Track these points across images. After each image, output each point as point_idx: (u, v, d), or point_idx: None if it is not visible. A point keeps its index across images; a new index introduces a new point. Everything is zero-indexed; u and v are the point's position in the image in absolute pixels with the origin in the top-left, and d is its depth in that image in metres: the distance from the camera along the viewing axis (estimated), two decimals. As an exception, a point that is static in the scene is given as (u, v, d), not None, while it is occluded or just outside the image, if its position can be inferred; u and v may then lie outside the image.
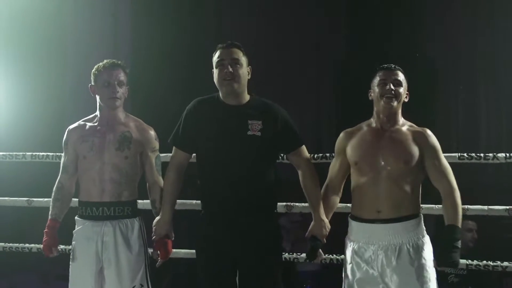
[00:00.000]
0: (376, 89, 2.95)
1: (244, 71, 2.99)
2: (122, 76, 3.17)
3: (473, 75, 6.09)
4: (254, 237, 2.95)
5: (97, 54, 5.49)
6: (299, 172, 3.09)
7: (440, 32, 6.09)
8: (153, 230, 3.14)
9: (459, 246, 2.81)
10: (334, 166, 3.08)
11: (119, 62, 3.21)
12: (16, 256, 4.04)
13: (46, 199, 3.85)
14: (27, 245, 3.91)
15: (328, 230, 3.03)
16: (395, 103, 2.91)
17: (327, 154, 3.48)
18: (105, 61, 3.20)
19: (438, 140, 2.96)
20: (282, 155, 3.29)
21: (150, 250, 3.22)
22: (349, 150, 3.00)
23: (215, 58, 3.01)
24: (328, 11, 6.21)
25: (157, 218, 3.15)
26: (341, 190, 3.11)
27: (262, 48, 6.09)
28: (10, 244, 3.93)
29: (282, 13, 6.27)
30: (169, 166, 3.13)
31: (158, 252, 3.15)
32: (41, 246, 3.68)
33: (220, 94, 3.04)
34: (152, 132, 3.25)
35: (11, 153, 3.95)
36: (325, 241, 3.04)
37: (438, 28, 6.10)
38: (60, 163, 3.67)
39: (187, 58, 6.16)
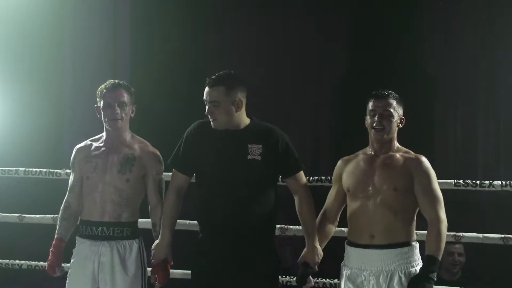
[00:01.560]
0: (368, 119, 2.99)
1: (225, 107, 2.97)
2: (124, 97, 3.20)
3: (474, 93, 6.09)
4: (252, 262, 2.98)
5: (95, 67, 5.50)
6: (295, 198, 3.10)
7: (440, 51, 6.11)
8: (152, 253, 3.15)
9: (434, 279, 2.81)
10: (331, 194, 3.11)
11: (121, 82, 3.24)
12: (5, 270, 4.05)
13: (38, 216, 3.87)
14: (17, 261, 3.91)
15: (320, 257, 3.05)
16: (384, 136, 2.95)
17: (323, 177, 3.51)
18: (107, 82, 3.23)
19: (435, 167, 2.98)
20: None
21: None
22: (344, 177, 3.03)
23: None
24: (328, 31, 6.23)
25: (156, 241, 3.15)
26: (337, 219, 3.12)
27: (260, 66, 6.12)
28: (0, 260, 3.93)
29: (282, 30, 6.29)
30: (168, 188, 3.15)
31: (156, 276, 3.15)
32: (31, 262, 3.70)
33: None
34: (157, 155, 3.27)
35: (3, 168, 3.96)
36: (316, 269, 3.06)
37: (439, 45, 6.12)
38: (52, 179, 3.69)
39: (188, 71, 6.16)
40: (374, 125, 2.93)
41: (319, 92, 6.18)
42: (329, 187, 3.28)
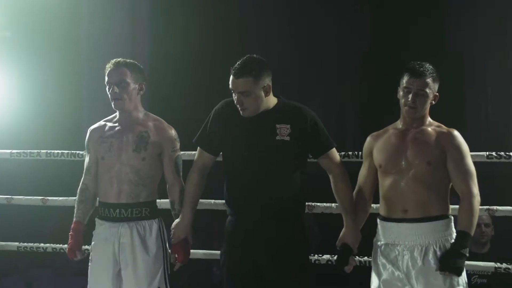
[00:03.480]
0: (401, 93, 2.94)
1: (255, 95, 2.93)
2: (125, 75, 3.16)
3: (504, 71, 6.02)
4: (280, 244, 2.97)
5: (114, 52, 5.52)
6: (330, 176, 3.07)
7: (469, 26, 6.03)
8: (172, 233, 3.14)
9: (467, 254, 2.81)
10: (363, 171, 3.08)
11: (123, 60, 3.19)
12: (31, 254, 4.09)
13: (61, 198, 3.89)
14: (42, 244, 3.94)
15: (360, 238, 3.02)
16: (416, 114, 2.92)
17: (350, 153, 3.49)
18: (111, 61, 3.19)
19: (467, 140, 2.95)
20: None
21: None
22: (375, 153, 3.00)
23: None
24: (350, 10, 6.20)
25: (177, 220, 3.15)
26: (372, 197, 3.09)
27: (283, 48, 6.10)
28: (25, 244, 3.96)
29: (302, 13, 6.27)
30: (192, 167, 3.13)
31: (176, 255, 3.16)
32: (56, 245, 3.72)
33: None
34: (172, 132, 3.24)
35: (25, 150, 3.97)
36: (356, 250, 3.03)
37: (466, 22, 6.05)
38: (74, 161, 3.70)
39: (210, 59, 6.17)
40: (407, 102, 2.89)
41: (344, 67, 6.16)
42: (356, 163, 3.28)
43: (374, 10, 6.35)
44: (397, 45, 6.00)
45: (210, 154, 3.09)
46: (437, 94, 2.94)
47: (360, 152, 3.24)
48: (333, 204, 3.56)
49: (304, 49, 6.28)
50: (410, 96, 2.88)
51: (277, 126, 2.95)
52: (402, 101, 2.92)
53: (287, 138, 2.95)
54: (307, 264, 3.13)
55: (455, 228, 2.89)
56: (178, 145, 3.26)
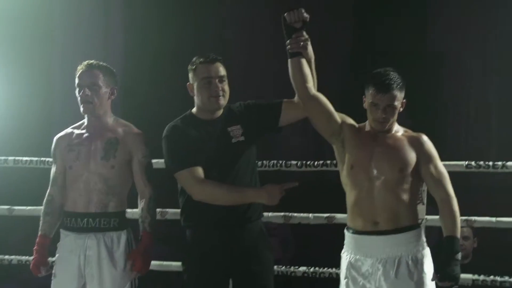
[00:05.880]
0: (368, 107, 2.88)
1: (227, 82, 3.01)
2: (97, 78, 3.11)
3: (485, 73, 6.03)
4: (249, 244, 2.99)
5: (86, 55, 5.46)
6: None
7: (449, 27, 6.04)
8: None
9: (459, 259, 2.78)
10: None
11: (93, 62, 3.15)
12: (-6, 265, 4.04)
13: (28, 208, 3.85)
14: (6, 256, 3.89)
15: None
16: (386, 127, 2.88)
17: (328, 162, 3.50)
18: (83, 62, 3.15)
19: (439, 146, 2.93)
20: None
21: None
22: (348, 145, 2.91)
23: (199, 74, 2.99)
24: (332, 12, 6.18)
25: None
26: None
27: (260, 51, 6.07)
28: (-11, 255, 3.91)
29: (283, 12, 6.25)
30: (196, 187, 2.96)
31: (133, 262, 3.07)
32: (22, 257, 3.67)
33: (195, 110, 3.06)
34: (142, 137, 3.19)
35: (-8, 157, 3.94)
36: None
37: (445, 21, 6.06)
38: (44, 169, 3.65)
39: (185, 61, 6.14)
40: (376, 118, 2.85)
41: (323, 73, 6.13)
42: (333, 172, 3.22)
43: (356, 13, 6.34)
44: (380, 45, 5.99)
45: (200, 166, 2.99)
46: (404, 101, 2.89)
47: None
48: (310, 215, 3.59)
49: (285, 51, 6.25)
50: (379, 112, 2.84)
51: (229, 129, 2.98)
52: (370, 115, 2.88)
53: (242, 138, 2.98)
54: (272, 261, 3.12)
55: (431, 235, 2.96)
56: (148, 151, 3.20)
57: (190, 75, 3.03)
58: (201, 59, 3.00)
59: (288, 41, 2.88)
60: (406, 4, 6.08)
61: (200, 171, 2.96)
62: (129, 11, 6.35)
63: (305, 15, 2.85)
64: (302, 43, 2.87)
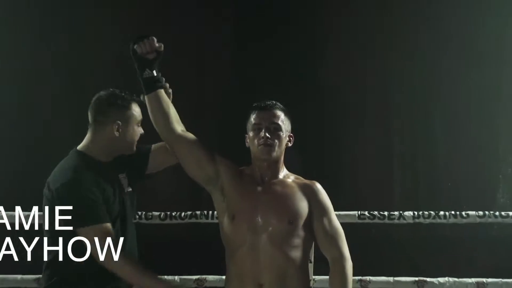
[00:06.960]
0: (251, 134, 2.66)
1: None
2: None
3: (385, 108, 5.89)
4: None
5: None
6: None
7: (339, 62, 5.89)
8: None
9: None
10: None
11: None
12: None
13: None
14: None
15: None
16: (273, 154, 2.63)
17: (205, 212, 3.38)
18: None
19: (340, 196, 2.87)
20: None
21: None
22: (226, 184, 2.64)
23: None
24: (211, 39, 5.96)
25: None
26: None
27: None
28: None
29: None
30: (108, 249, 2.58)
31: None
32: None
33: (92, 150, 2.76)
34: None
35: None
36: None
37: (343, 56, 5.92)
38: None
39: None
40: (260, 141, 2.60)
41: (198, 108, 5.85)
42: (209, 224, 3.06)
43: (239, 46, 6.12)
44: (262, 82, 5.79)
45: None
46: (292, 135, 2.69)
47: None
48: (176, 277, 3.36)
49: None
50: (262, 132, 2.61)
51: (120, 177, 2.72)
52: (253, 142, 2.63)
53: (130, 189, 2.74)
54: None
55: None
56: None
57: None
58: None
59: (141, 75, 2.63)
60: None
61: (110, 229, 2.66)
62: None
63: (157, 44, 2.61)
64: (160, 74, 2.65)
